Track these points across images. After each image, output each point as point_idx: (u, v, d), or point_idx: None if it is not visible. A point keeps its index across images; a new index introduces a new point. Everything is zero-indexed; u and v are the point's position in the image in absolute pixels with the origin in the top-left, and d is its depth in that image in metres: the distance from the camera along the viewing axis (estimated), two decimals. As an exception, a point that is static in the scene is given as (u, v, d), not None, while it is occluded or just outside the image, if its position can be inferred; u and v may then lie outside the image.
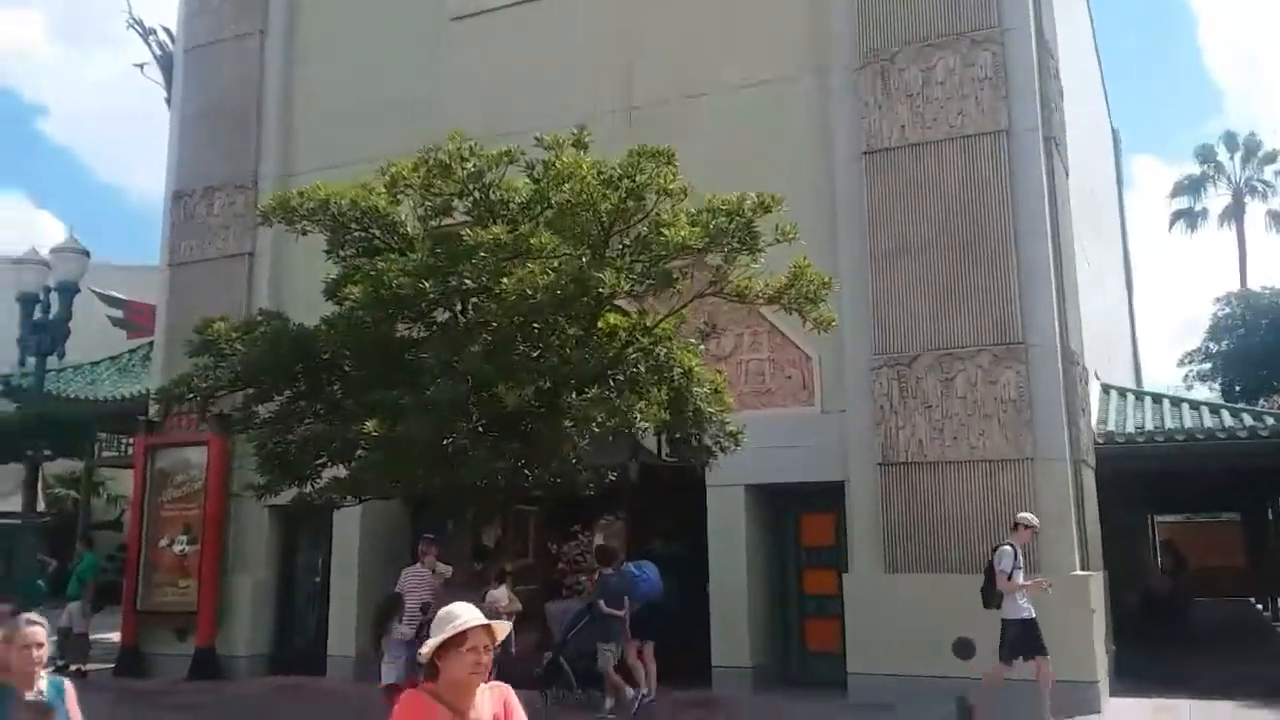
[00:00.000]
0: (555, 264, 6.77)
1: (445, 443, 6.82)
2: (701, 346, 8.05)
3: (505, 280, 6.68)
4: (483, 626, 3.20)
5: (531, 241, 6.88)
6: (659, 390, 7.28)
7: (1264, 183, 39.49)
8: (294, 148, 15.78)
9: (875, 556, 11.51)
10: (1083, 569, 10.88)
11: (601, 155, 7.86)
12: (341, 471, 8.41)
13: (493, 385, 6.96)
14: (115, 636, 15.35)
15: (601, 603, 10.28)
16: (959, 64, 11.82)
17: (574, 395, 7.19)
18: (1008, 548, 9.62)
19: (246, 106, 15.98)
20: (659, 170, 6.73)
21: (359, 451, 7.96)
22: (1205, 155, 40.61)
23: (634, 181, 6.69)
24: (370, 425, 6.90)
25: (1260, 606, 21.16)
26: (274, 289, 15.25)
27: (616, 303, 7.53)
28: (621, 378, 7.31)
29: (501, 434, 7.22)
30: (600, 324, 7.40)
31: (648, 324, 7.44)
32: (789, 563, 12.83)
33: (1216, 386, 19.83)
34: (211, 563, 14.36)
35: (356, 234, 8.43)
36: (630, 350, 7.23)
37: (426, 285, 7.19)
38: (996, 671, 9.67)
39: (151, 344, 18.70)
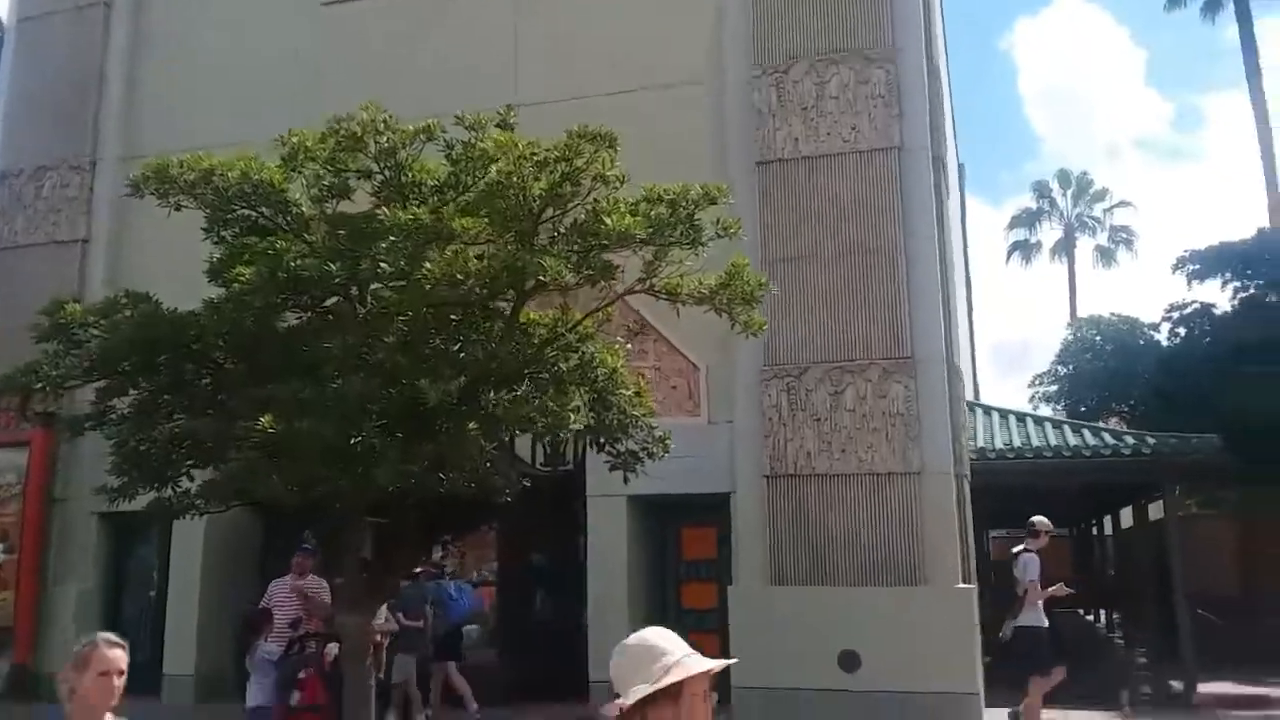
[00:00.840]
0: (484, 249, 6.25)
1: (353, 441, 6.20)
2: (628, 346, 7.64)
3: (428, 265, 6.11)
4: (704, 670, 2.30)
5: (454, 225, 6.33)
6: (579, 391, 6.85)
7: (1093, 219, 42.39)
8: (138, 128, 14.52)
9: (760, 569, 11.38)
10: (964, 582, 11.04)
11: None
12: (207, 474, 7.60)
13: (407, 380, 6.38)
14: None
15: (400, 615, 10.07)
16: (853, 80, 11.91)
17: (494, 393, 6.68)
18: (1033, 555, 9.65)
19: (86, 82, 14.63)
20: (598, 154, 6.32)
21: (234, 453, 7.20)
22: (1041, 190, 43.29)
23: (570, 165, 6.26)
24: (265, 421, 6.19)
25: (1091, 618, 22.35)
26: (111, 277, 13.94)
27: (535, 296, 7.06)
28: (545, 376, 6.83)
29: (412, 434, 6.64)
30: (521, 318, 6.90)
31: (570, 320, 6.98)
32: (669, 576, 12.58)
33: (1060, 408, 20.92)
34: (30, 572, 12.94)
35: (241, 212, 7.64)
36: (550, 348, 6.78)
37: (332, 268, 6.54)
38: (1038, 688, 9.61)
39: None
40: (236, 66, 14.00)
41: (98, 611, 13.29)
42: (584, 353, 6.93)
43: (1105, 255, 42.43)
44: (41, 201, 14.27)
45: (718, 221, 6.54)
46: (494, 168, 6.45)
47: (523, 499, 12.42)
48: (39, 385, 7.14)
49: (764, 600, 11.23)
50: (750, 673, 10.93)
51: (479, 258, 6.24)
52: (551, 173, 6.26)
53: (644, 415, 7.20)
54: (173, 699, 12.47)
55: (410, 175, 7.11)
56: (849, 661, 10.79)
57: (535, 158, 6.36)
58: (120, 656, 3.37)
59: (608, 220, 6.06)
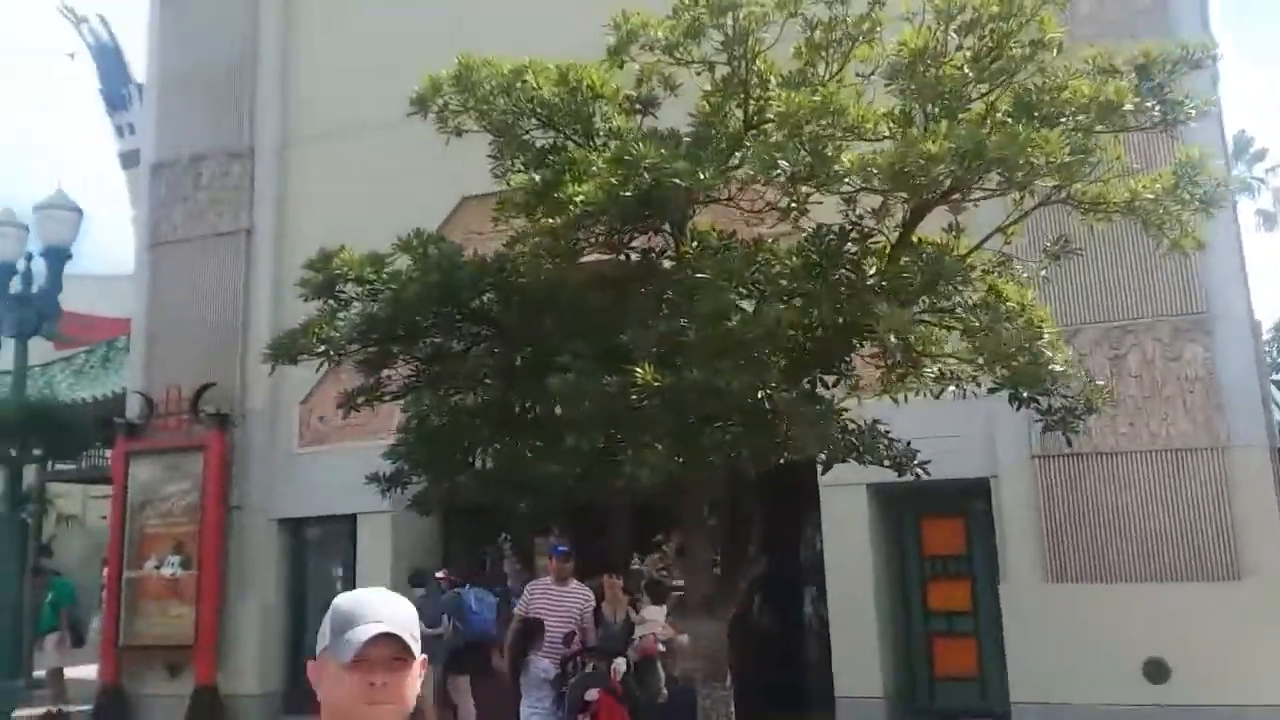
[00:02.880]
0: (938, 134, 4.70)
1: (761, 395, 4.79)
2: (1043, 274, 6.11)
3: (846, 158, 4.59)
4: None
5: (855, 112, 4.81)
6: (987, 336, 5.26)
7: (1256, 179, 39.27)
8: (293, 112, 13.64)
9: (1032, 565, 9.85)
10: (1292, 574, 9.33)
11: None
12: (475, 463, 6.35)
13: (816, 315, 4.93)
14: (84, 672, 12.92)
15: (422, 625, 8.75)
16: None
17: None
18: None
19: (240, 66, 13.79)
20: (1038, 11, 4.79)
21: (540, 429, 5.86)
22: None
23: (1005, 24, 4.73)
24: (645, 372, 4.69)
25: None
26: (276, 270, 13.07)
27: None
28: (958, 311, 5.29)
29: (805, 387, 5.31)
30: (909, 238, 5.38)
31: (955, 244, 5.41)
32: (911, 575, 11.08)
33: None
34: (212, 587, 12.08)
35: (535, 137, 6.13)
36: (942, 280, 5.27)
37: (704, 174, 4.83)
38: None
39: (109, 345, 16.44)
40: (381, 43, 12.99)
41: (282, 627, 12.41)
42: (990, 283, 5.42)
43: (1268, 219, 39.32)
44: (201, 192, 13.46)
45: (1186, 97, 4.92)
46: (894, 40, 4.93)
47: (738, 489, 11.24)
48: (320, 349, 5.90)
49: (1041, 600, 9.69)
50: (1031, 686, 9.50)
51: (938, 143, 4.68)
52: (981, 37, 4.78)
53: (1065, 364, 5.56)
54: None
55: (758, 64, 5.54)
56: (1157, 672, 9.19)
57: (960, 17, 4.84)
58: None
59: (1076, 88, 4.49)
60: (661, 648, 6.69)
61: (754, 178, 5.16)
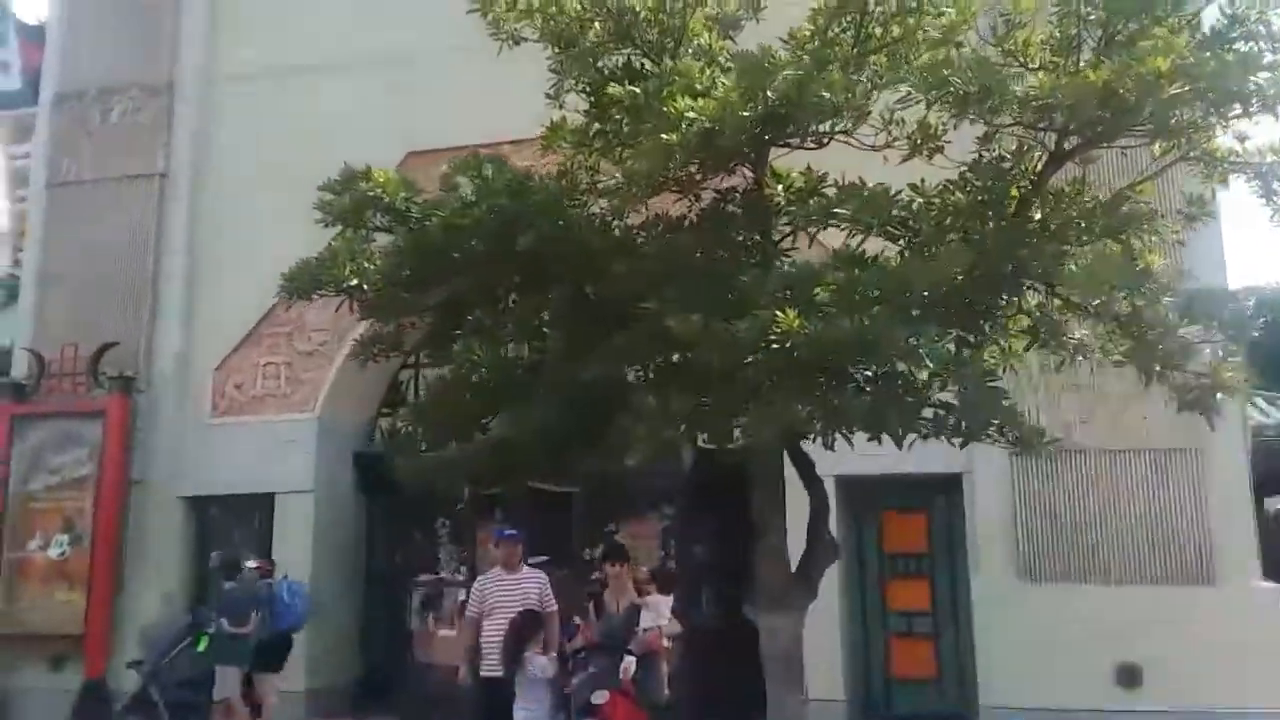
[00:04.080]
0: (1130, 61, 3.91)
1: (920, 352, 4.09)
2: (1177, 236, 5.46)
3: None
4: None
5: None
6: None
7: None
8: (222, 46, 12.43)
9: (1005, 563, 9.52)
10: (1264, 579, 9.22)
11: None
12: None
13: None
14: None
15: (224, 621, 8.77)
16: None
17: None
18: None
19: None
20: None
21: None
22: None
23: None
24: (788, 318, 3.92)
25: None
26: (193, 217, 11.90)
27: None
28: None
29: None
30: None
31: (1082, 194, 4.81)
32: (869, 573, 10.65)
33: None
34: (105, 570, 10.84)
35: (602, 56, 5.08)
36: (1130, 226, 4.64)
37: (826, 94, 4.11)
38: None
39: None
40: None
41: (185, 617, 11.21)
42: (1126, 241, 4.81)
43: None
44: (110, 129, 12.14)
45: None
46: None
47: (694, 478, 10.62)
48: (351, 283, 4.84)
49: (1015, 600, 9.35)
50: (1003, 690, 9.16)
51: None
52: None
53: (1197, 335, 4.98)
54: (283, 717, 10.42)
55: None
56: (1129, 677, 8.96)
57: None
58: None
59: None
60: (667, 643, 6.00)
61: (863, 111, 4.44)
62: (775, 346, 3.91)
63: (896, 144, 4.55)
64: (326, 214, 4.96)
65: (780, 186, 4.90)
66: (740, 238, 4.91)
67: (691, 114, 4.08)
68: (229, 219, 11.82)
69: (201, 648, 9.06)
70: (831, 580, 9.63)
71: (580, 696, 5.59)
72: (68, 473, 11.20)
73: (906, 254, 4.58)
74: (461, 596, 10.83)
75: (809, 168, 4.95)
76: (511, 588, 6.70)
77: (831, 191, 4.71)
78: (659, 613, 6.10)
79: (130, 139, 12.05)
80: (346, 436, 11.65)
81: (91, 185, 12.05)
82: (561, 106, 5.06)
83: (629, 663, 5.74)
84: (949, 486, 9.99)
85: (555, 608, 6.78)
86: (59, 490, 11.17)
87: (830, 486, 9.65)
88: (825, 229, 4.74)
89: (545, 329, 4.97)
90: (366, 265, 4.73)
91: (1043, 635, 9.04)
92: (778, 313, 3.90)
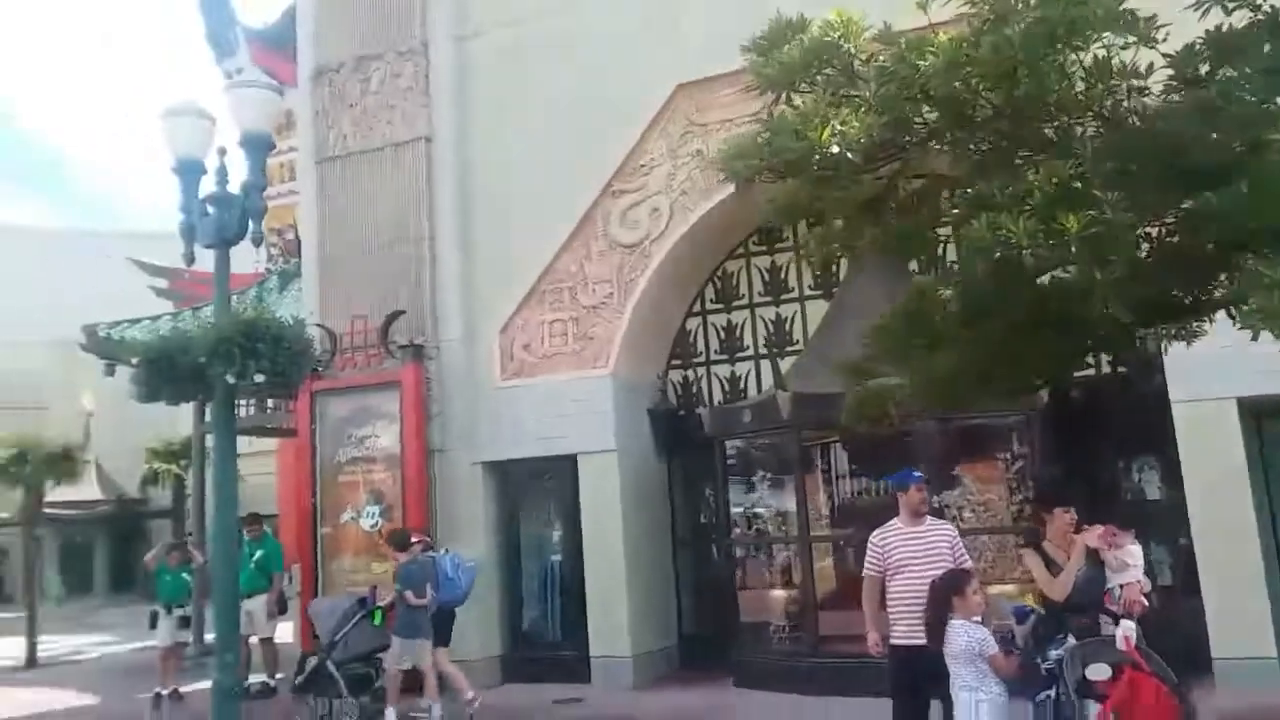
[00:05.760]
0: None
1: None
2: None
3: None
4: None
5: None
6: None
7: None
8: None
9: None
10: None
11: None
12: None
13: None
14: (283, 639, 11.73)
15: (409, 594, 8.87)
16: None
17: None
18: None
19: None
20: None
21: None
22: None
23: None
24: None
25: None
26: (463, 179, 11.54)
27: None
28: None
29: None
30: None
31: None
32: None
33: None
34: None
35: None
36: None
37: None
38: None
39: (280, 274, 15.18)
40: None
41: (496, 583, 11.04)
42: None
43: None
44: (371, 98, 11.92)
45: None
46: None
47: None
48: (826, 152, 3.54)
49: None
50: None
51: None
52: None
53: None
54: (609, 684, 10.09)
55: None
56: None
57: None
58: None
59: None
60: (1145, 604, 4.97)
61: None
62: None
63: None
64: (755, 82, 3.83)
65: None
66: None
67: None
68: (497, 176, 11.42)
69: (377, 621, 9.13)
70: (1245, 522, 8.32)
71: (1074, 673, 4.68)
72: (370, 445, 11.15)
73: None
74: (783, 552, 10.26)
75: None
76: (919, 541, 5.85)
77: None
78: (1127, 563, 5.07)
79: (392, 106, 11.77)
80: (639, 392, 11.12)
81: (358, 157, 11.87)
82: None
83: (1127, 628, 4.76)
84: None
85: (971, 564, 5.92)
86: (364, 463, 11.13)
87: (1232, 412, 8.42)
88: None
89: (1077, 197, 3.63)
90: (846, 128, 3.54)
91: None
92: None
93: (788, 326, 11.24)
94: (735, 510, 10.39)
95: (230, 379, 7.00)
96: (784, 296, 11.31)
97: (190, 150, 7.64)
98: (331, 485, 11.26)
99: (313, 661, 9.36)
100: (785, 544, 9.96)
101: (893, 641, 5.82)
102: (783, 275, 11.33)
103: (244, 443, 25.34)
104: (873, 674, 6.75)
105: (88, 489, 25.63)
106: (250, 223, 7.46)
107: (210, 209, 7.49)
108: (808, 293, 11.17)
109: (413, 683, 9.06)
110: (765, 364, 11.20)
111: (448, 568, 9.40)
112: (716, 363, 11.58)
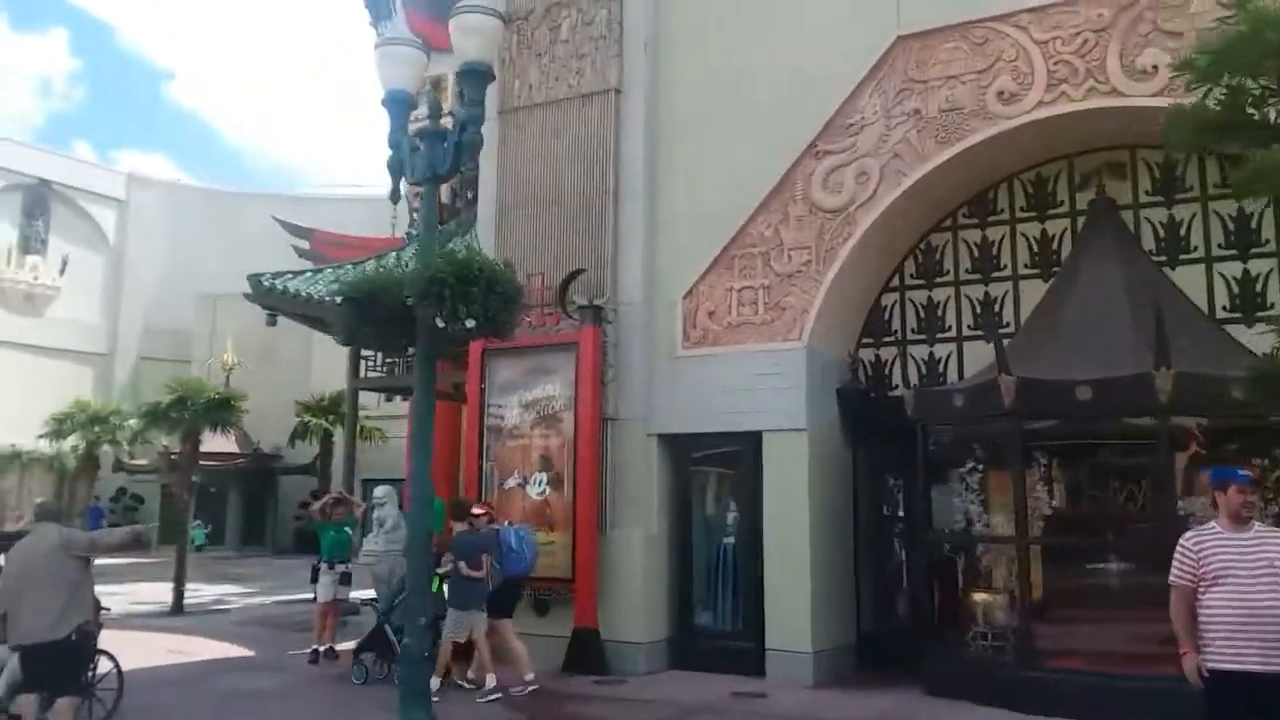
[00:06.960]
0: None
1: None
2: None
3: None
4: None
5: None
6: None
7: None
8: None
9: None
10: None
11: None
12: None
13: None
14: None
15: (463, 564, 8.81)
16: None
17: None
18: None
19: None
20: None
21: None
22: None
23: None
24: None
25: None
26: (651, 133, 10.90)
27: None
28: None
29: None
30: None
31: None
32: None
33: None
34: (589, 512, 10.16)
35: None
36: None
37: None
38: None
39: (457, 223, 14.68)
40: None
41: (664, 563, 10.42)
42: None
43: None
44: (560, 46, 11.37)
45: None
46: None
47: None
48: None
49: None
50: None
51: None
52: None
53: None
54: (785, 680, 9.36)
55: None
56: None
57: None
58: None
59: None
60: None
61: None
62: None
63: None
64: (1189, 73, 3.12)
65: None
66: None
67: None
68: (688, 132, 10.76)
69: (435, 588, 8.81)
70: None
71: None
72: (542, 408, 10.63)
73: None
74: (984, 551, 9.36)
75: None
76: (1245, 549, 4.95)
77: None
78: None
79: (582, 55, 11.20)
80: (830, 370, 10.32)
81: (543, 109, 11.34)
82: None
83: None
84: None
85: None
86: (535, 427, 10.62)
87: None
88: None
89: None
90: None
91: None
92: None
93: (997, 307, 10.29)
94: (935, 504, 9.52)
95: (440, 322, 6.52)
96: (995, 274, 10.36)
97: (401, 82, 7.24)
98: (500, 448, 10.78)
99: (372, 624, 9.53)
100: (999, 544, 9.03)
101: (1210, 665, 4.93)
102: (994, 251, 10.37)
103: (378, 402, 25.24)
104: (1109, 696, 5.88)
105: (225, 442, 26.04)
106: (465, 158, 7.01)
107: (420, 144, 7.08)
108: (1023, 271, 10.20)
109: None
110: (969, 346, 10.31)
111: (511, 540, 9.34)
112: (914, 342, 10.69)
